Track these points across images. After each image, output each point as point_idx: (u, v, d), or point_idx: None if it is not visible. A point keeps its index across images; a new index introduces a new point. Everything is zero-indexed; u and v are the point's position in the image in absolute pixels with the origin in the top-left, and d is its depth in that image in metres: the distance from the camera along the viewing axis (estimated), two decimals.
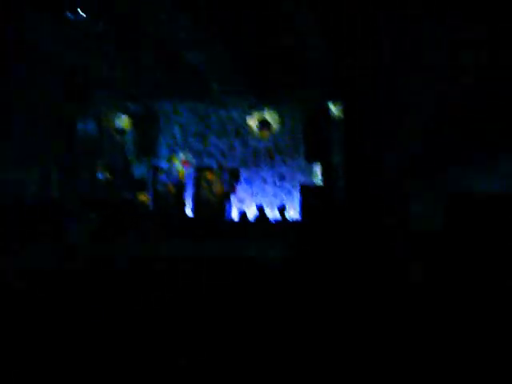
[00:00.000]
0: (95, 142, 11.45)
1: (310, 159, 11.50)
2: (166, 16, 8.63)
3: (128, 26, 9.20)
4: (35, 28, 8.76)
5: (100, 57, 10.25)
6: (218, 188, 12.26)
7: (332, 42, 9.67)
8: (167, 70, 11.61)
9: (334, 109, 11.12)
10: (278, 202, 12.29)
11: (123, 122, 12.64)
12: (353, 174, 9.87)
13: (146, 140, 13.31)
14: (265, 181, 12.80)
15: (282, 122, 12.70)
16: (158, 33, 9.34)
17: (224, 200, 12.05)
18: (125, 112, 12.80)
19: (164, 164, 13.22)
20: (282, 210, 11.51)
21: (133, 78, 11.73)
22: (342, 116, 10.89)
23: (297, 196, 12.10)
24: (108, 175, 11.64)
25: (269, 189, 12.69)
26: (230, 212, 12.38)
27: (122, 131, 12.74)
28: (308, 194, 10.69)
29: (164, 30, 9.17)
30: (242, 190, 12.71)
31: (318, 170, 11.98)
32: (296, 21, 8.91)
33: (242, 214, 11.66)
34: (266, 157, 12.82)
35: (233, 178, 12.49)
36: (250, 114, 12.83)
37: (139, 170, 13.05)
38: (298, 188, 11.82)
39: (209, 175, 12.31)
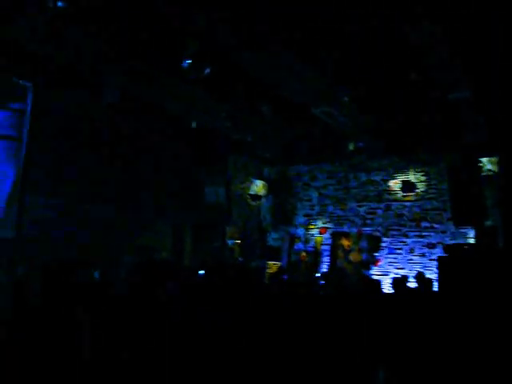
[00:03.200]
0: (225, 207, 11.05)
1: (460, 223, 9.91)
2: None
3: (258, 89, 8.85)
4: (162, 90, 8.71)
5: (231, 120, 9.98)
6: (355, 256, 11.12)
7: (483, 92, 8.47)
8: (303, 134, 11.12)
9: (487, 164, 9.63)
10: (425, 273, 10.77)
11: (258, 187, 12.21)
12: None
13: (282, 206, 12.72)
14: (410, 249, 11.40)
15: (429, 184, 11.38)
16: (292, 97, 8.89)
17: (361, 270, 10.83)
18: (260, 177, 12.40)
19: (300, 231, 12.46)
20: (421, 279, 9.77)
21: (267, 142, 11.36)
22: (497, 171, 9.36)
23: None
24: (237, 241, 11.11)
25: (415, 258, 11.24)
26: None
27: (256, 197, 12.30)
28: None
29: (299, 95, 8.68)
30: (382, 258, 11.43)
31: (469, 234, 10.40)
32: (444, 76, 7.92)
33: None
34: (411, 222, 11.46)
35: (373, 246, 11.28)
36: (392, 176, 11.72)
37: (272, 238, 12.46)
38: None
39: (345, 242, 11.23)
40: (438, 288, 7.12)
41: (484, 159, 9.79)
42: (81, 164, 7.99)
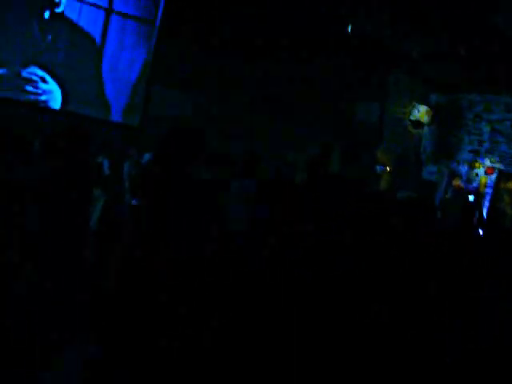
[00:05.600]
0: (377, 128, 10.00)
1: None
2: None
3: None
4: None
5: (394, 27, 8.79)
6: None
7: None
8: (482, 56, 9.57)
9: None
10: None
11: (421, 113, 10.94)
12: None
13: (447, 138, 11.35)
14: None
15: None
16: None
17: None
18: (425, 103, 11.09)
19: (463, 168, 11.06)
20: None
21: (439, 64, 10.00)
22: None
23: None
24: (388, 169, 10.09)
25: None
26: None
27: (418, 124, 11.07)
28: None
29: None
30: None
31: None
32: None
33: None
34: None
35: None
36: None
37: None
38: None
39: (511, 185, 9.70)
40: None
41: None
42: (220, 62, 7.45)
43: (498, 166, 10.65)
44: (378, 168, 10.00)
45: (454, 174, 10.64)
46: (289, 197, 5.05)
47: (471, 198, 9.11)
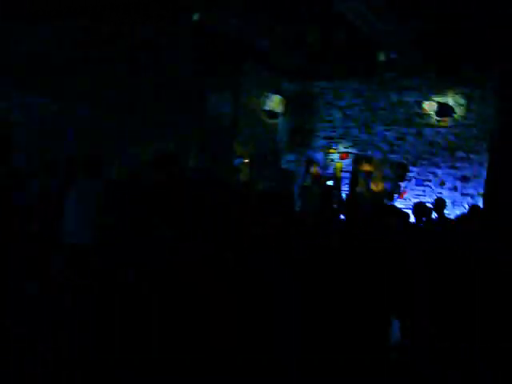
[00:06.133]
0: (231, 120, 9.73)
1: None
2: None
3: None
4: None
5: (247, 21, 8.54)
6: (378, 184, 9.85)
7: None
8: (329, 43, 9.65)
9: None
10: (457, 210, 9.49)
11: (274, 103, 10.86)
12: None
13: (301, 127, 11.41)
14: (440, 181, 10.09)
15: (468, 108, 9.93)
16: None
17: (383, 200, 9.57)
18: (278, 92, 11.03)
19: (319, 155, 11.18)
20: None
21: (290, 51, 9.94)
22: None
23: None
24: (246, 161, 9.87)
25: (444, 192, 9.94)
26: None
27: (272, 114, 10.98)
28: None
29: None
30: (408, 190, 10.18)
31: None
32: None
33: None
34: (444, 151, 10.10)
35: (398, 175, 9.99)
36: (427, 97, 10.27)
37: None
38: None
39: (368, 167, 9.92)
40: None
41: None
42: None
43: (351, 150, 10.88)
44: (236, 161, 9.76)
45: (311, 162, 10.69)
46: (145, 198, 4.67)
47: (330, 183, 9.16)
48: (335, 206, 9.23)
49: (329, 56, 9.98)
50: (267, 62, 10.46)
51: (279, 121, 11.22)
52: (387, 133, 10.62)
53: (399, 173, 9.99)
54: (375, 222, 5.35)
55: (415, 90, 10.39)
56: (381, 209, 6.71)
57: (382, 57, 9.14)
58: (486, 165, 9.58)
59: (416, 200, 10.07)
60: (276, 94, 10.87)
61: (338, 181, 9.89)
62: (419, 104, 10.34)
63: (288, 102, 11.14)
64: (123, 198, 4.68)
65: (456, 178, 9.94)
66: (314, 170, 10.11)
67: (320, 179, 9.95)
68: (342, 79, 10.98)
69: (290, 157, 11.38)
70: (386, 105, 10.69)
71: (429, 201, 9.94)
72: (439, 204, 6.60)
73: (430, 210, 6.45)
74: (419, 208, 6.32)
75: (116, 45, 7.52)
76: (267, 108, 10.77)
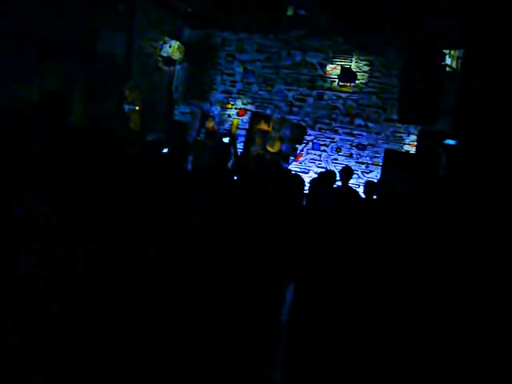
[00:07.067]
0: (122, 62, 8.84)
1: (406, 121, 8.31)
2: None
3: None
4: None
5: None
6: (274, 145, 9.49)
7: None
8: None
9: (446, 57, 8.01)
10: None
11: (172, 49, 10.07)
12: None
13: (199, 78, 10.74)
14: (337, 147, 9.90)
15: (371, 75, 9.76)
16: None
17: (279, 161, 9.22)
18: (178, 39, 10.23)
19: (215, 109, 10.61)
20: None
21: None
22: (456, 68, 7.80)
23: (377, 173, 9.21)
24: (137, 108, 9.08)
25: (341, 158, 9.78)
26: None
27: (170, 61, 10.20)
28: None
29: None
30: (304, 153, 9.91)
31: (406, 140, 9.08)
32: None
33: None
34: (344, 117, 9.90)
35: (296, 137, 9.67)
36: (331, 60, 9.98)
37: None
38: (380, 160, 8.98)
39: (265, 126, 9.51)
40: None
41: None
42: None
43: (249, 107, 10.41)
44: (126, 107, 8.93)
45: (207, 116, 10.11)
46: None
47: (226, 140, 8.64)
48: (229, 163, 8.81)
49: (235, 4, 9.37)
50: (166, 2, 9.66)
51: (177, 69, 10.47)
52: (288, 93, 10.23)
53: (297, 135, 9.68)
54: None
55: (320, 52, 10.04)
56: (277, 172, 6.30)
57: (290, 11, 8.64)
58: (382, 135, 9.53)
59: (311, 164, 9.89)
60: (175, 40, 10.08)
61: (233, 138, 9.39)
62: (323, 66, 10.03)
63: (188, 49, 10.39)
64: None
65: (352, 146, 9.80)
66: (209, 124, 9.55)
67: (215, 134, 9.42)
68: (247, 32, 10.40)
69: (185, 109, 10.71)
70: (290, 64, 10.27)
71: (323, 166, 9.81)
72: (346, 172, 6.28)
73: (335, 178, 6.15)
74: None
75: None
76: (165, 54, 9.97)
